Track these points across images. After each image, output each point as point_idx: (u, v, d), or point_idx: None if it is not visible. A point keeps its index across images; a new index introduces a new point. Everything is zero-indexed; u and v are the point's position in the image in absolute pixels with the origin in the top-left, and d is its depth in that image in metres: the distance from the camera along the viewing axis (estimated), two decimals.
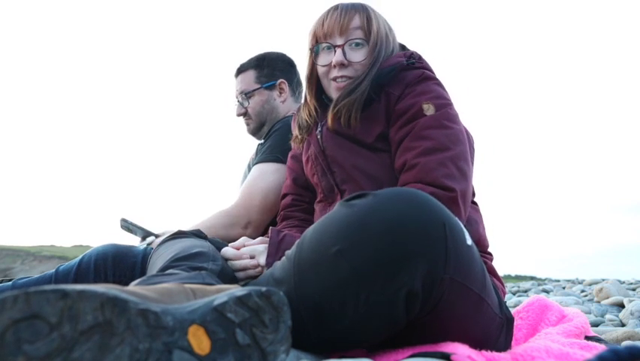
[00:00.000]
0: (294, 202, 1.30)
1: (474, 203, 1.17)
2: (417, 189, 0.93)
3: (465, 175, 0.98)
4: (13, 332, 0.43)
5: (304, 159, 1.24)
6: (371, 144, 1.08)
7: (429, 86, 1.07)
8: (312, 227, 0.72)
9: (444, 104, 1.04)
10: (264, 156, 1.56)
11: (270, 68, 1.73)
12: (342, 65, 1.10)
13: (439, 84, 1.09)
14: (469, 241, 0.73)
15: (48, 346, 0.44)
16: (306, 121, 1.20)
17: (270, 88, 1.72)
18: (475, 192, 1.18)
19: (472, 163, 1.09)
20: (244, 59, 1.77)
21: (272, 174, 1.52)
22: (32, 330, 0.44)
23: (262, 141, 1.72)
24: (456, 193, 0.93)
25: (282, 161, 1.51)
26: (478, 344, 0.76)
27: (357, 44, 1.11)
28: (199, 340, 0.53)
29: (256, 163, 1.59)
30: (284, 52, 1.81)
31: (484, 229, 1.14)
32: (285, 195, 1.33)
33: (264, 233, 1.50)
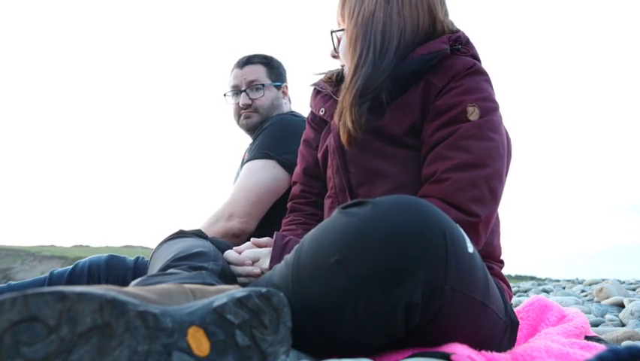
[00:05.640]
0: (302, 194, 1.22)
1: None
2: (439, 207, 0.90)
3: (495, 197, 0.90)
4: (12, 334, 0.43)
5: (320, 153, 1.13)
6: (401, 137, 0.97)
7: (478, 83, 0.93)
8: (310, 233, 0.70)
9: (490, 109, 0.92)
10: (252, 154, 1.58)
11: (277, 69, 1.76)
12: (334, 57, 1.07)
13: (489, 81, 0.95)
14: (471, 249, 0.71)
15: (46, 348, 0.44)
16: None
17: (278, 88, 1.75)
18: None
19: (507, 173, 0.99)
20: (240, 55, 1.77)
21: (259, 170, 1.53)
22: (30, 332, 0.44)
23: (252, 140, 1.73)
24: (479, 220, 0.86)
25: (270, 157, 1.53)
26: (479, 346, 0.76)
27: (338, 34, 1.04)
28: (198, 341, 0.53)
29: (246, 162, 1.61)
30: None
31: (499, 238, 1.08)
32: (294, 183, 1.26)
33: (262, 226, 1.50)
